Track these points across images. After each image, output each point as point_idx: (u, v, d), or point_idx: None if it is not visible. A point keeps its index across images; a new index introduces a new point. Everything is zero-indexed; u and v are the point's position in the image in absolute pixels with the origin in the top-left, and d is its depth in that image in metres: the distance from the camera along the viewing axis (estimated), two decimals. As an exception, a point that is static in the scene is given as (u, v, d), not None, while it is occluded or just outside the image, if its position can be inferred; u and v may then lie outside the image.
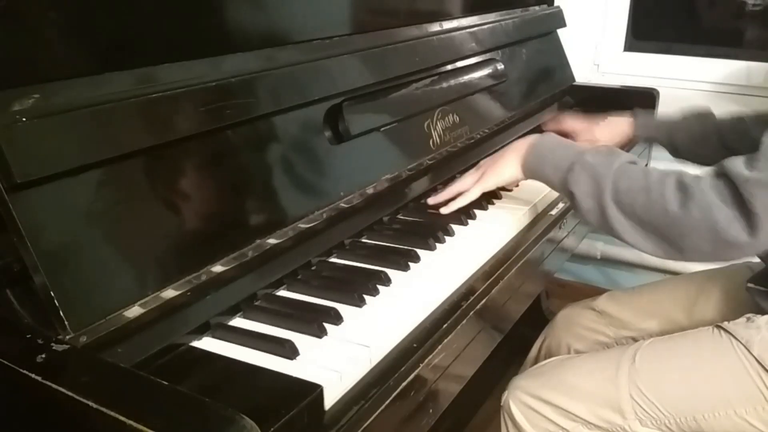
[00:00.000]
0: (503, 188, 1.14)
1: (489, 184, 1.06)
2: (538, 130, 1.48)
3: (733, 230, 0.81)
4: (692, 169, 0.95)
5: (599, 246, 2.04)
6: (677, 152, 1.33)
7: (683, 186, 0.85)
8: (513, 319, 1.00)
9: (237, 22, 0.89)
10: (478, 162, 1.29)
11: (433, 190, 1.15)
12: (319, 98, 0.94)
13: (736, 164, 0.83)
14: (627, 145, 1.39)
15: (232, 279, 0.76)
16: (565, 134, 1.40)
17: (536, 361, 1.30)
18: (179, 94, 0.74)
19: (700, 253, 0.86)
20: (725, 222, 0.81)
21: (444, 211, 1.05)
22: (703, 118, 1.30)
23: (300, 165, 0.90)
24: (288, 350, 0.69)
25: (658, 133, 1.35)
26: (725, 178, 0.83)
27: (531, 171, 1.01)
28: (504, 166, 1.05)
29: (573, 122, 1.43)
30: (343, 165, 0.96)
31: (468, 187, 1.07)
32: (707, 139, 1.27)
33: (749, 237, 0.80)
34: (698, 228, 0.83)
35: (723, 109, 1.64)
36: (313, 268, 0.89)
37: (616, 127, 1.38)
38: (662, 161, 1.77)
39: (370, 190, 0.98)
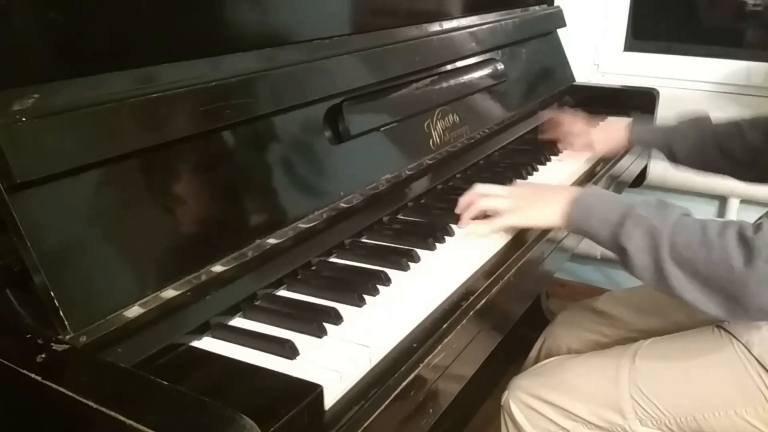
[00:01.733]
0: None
1: (520, 221, 0.97)
2: (539, 129, 1.48)
3: None
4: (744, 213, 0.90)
5: (599, 246, 2.04)
6: (675, 158, 1.32)
7: (745, 240, 0.79)
8: (513, 319, 1.00)
9: (237, 22, 0.89)
10: (477, 162, 1.30)
11: (434, 190, 1.14)
12: (319, 98, 0.94)
13: None
14: (623, 149, 1.40)
15: (232, 279, 0.76)
16: (562, 135, 1.40)
17: (536, 361, 1.30)
18: (179, 94, 0.74)
19: (766, 312, 0.81)
20: None
21: (460, 225, 0.98)
22: (699, 123, 1.30)
23: (300, 165, 0.90)
24: (288, 350, 0.69)
25: (655, 139, 1.35)
26: None
27: (575, 224, 0.93)
28: (544, 209, 0.96)
29: (571, 123, 1.42)
30: (343, 165, 0.96)
31: (495, 208, 0.98)
32: (704, 145, 1.27)
33: None
34: (765, 283, 0.77)
35: (723, 109, 1.64)
36: (313, 268, 0.89)
37: (612, 130, 1.38)
38: (662, 162, 1.78)
39: (370, 190, 0.98)
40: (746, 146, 1.22)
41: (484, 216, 0.99)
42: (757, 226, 0.80)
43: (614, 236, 0.88)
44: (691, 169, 1.33)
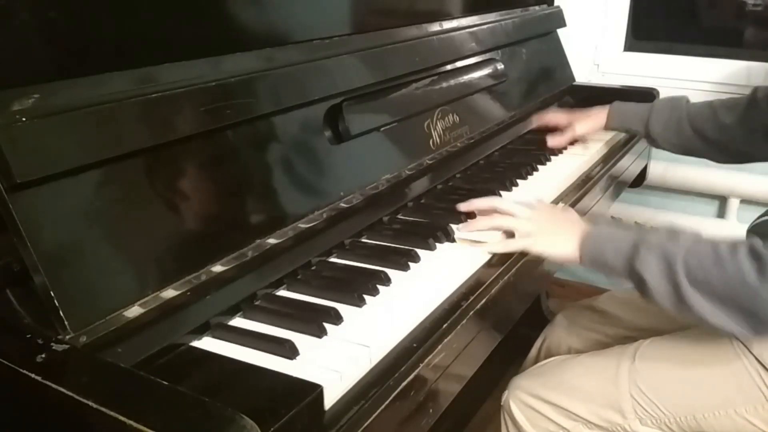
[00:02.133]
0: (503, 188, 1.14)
1: (536, 249, 0.95)
2: (538, 128, 1.48)
3: None
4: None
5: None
6: (653, 141, 1.37)
7: (757, 254, 0.80)
8: (513, 319, 1.00)
9: (237, 22, 0.89)
10: (477, 162, 1.30)
11: (434, 190, 1.14)
12: (319, 98, 0.94)
13: None
14: (600, 128, 1.42)
15: (232, 279, 0.76)
16: (549, 130, 1.42)
17: (536, 360, 1.30)
18: (179, 94, 0.74)
19: None
20: None
21: (477, 244, 0.95)
22: (675, 103, 1.33)
23: (300, 165, 0.90)
24: (288, 350, 0.69)
25: (632, 122, 1.38)
26: None
27: (590, 258, 0.92)
28: (561, 243, 0.95)
29: (555, 117, 1.45)
30: (343, 165, 0.96)
31: (510, 228, 0.96)
32: (679, 126, 1.30)
33: None
34: None
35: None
36: (313, 268, 0.89)
37: (594, 119, 1.41)
38: (662, 162, 1.78)
39: (370, 190, 0.98)
40: (719, 127, 1.26)
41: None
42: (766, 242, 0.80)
43: (630, 265, 0.87)
44: (669, 151, 1.37)
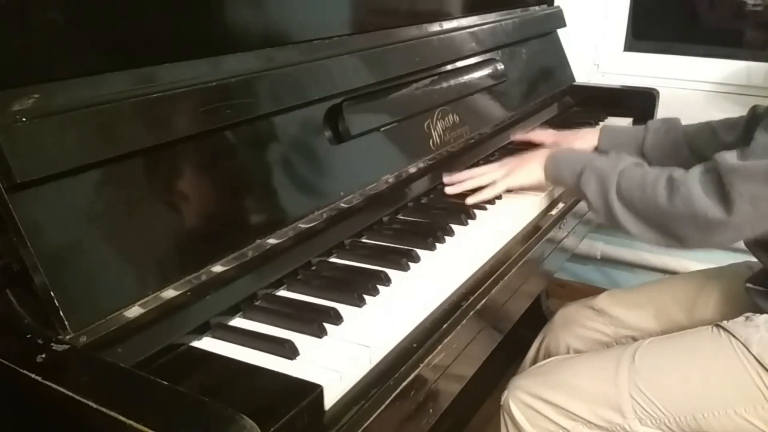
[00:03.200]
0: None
1: (515, 183, 1.11)
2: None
3: (713, 214, 0.89)
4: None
5: (599, 246, 2.04)
6: (647, 163, 1.30)
7: (671, 181, 0.94)
8: (513, 319, 1.00)
9: (237, 22, 0.89)
10: (477, 163, 1.30)
11: (433, 190, 1.14)
12: (319, 98, 0.94)
13: (727, 156, 0.90)
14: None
15: (232, 279, 0.76)
16: (534, 147, 1.36)
17: (536, 360, 1.30)
18: (179, 94, 0.74)
19: (691, 239, 0.95)
20: (705, 209, 0.90)
21: (468, 201, 1.08)
22: (670, 126, 1.28)
23: (300, 165, 0.90)
24: (288, 350, 0.69)
25: (626, 146, 1.29)
26: (713, 170, 0.91)
27: (552, 176, 1.10)
28: (530, 168, 1.12)
29: (543, 135, 1.38)
30: (343, 165, 0.96)
31: (491, 181, 1.11)
32: (676, 149, 1.25)
33: (728, 216, 0.88)
34: (683, 217, 0.93)
35: (723, 109, 1.64)
36: (313, 268, 0.89)
37: (583, 141, 1.34)
38: (662, 161, 1.77)
39: (370, 190, 0.98)
40: (720, 147, 1.16)
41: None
42: (688, 171, 0.95)
43: (577, 184, 1.04)
44: None
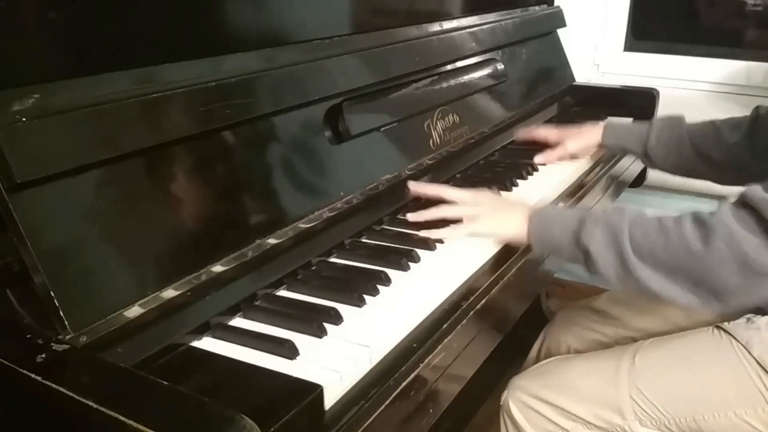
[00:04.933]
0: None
1: (485, 232, 0.96)
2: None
3: (764, 257, 0.77)
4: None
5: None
6: (651, 162, 1.31)
7: (702, 222, 0.81)
8: (513, 319, 1.00)
9: (237, 22, 0.89)
10: (477, 162, 1.30)
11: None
12: (319, 98, 0.94)
13: (756, 191, 0.79)
14: (594, 149, 1.36)
15: (232, 279, 0.76)
16: (537, 144, 1.36)
17: (536, 361, 1.30)
18: (179, 94, 0.74)
19: (733, 290, 0.80)
20: (754, 251, 0.77)
21: (423, 234, 0.96)
22: (674, 125, 1.27)
23: (300, 165, 0.90)
24: (288, 350, 0.69)
25: (629, 142, 1.31)
26: (746, 206, 0.79)
27: (538, 236, 0.94)
28: (506, 223, 0.96)
29: (544, 132, 1.37)
30: (343, 165, 0.96)
31: (456, 215, 0.97)
32: (680, 147, 1.24)
33: None
34: (726, 261, 0.78)
35: (723, 109, 1.64)
36: (313, 268, 0.89)
37: (587, 137, 1.34)
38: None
39: (370, 190, 0.98)
40: (723, 146, 1.20)
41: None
42: (713, 211, 0.81)
43: (576, 239, 0.88)
44: (666, 172, 1.31)
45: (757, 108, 1.19)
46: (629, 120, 1.37)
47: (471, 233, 0.96)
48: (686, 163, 1.26)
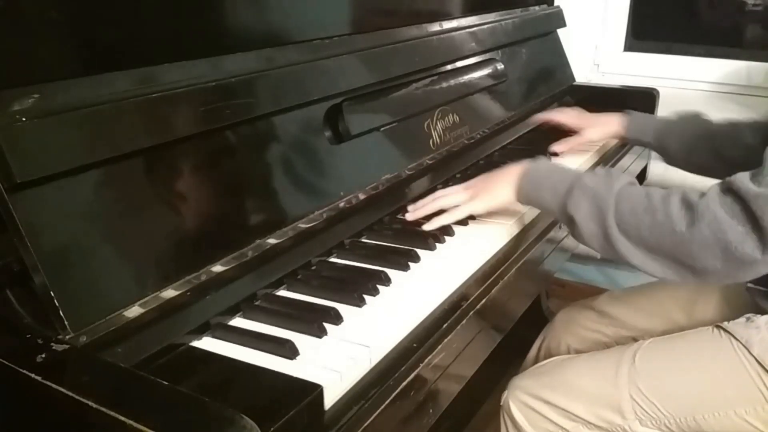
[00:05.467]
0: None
1: (479, 207, 1.00)
2: (539, 128, 1.48)
3: (746, 247, 0.78)
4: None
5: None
6: (669, 157, 1.31)
7: (689, 204, 0.81)
8: (513, 319, 1.00)
9: (237, 22, 0.89)
10: (477, 162, 1.30)
11: (433, 190, 1.14)
12: (319, 98, 0.94)
13: (743, 180, 0.80)
14: (612, 137, 1.38)
15: (232, 279, 0.76)
16: (557, 127, 1.39)
17: (536, 361, 1.30)
18: (179, 94, 0.74)
19: (712, 272, 0.82)
20: (737, 239, 0.78)
21: (426, 227, 0.98)
22: (696, 122, 1.27)
23: (300, 165, 0.90)
24: (288, 350, 0.69)
25: (649, 135, 1.32)
26: (733, 194, 0.80)
27: (526, 196, 0.97)
28: (497, 190, 0.99)
29: (564, 116, 1.40)
30: (343, 165, 0.96)
31: (454, 204, 1.01)
32: (699, 145, 1.24)
33: (762, 254, 0.78)
34: (709, 246, 0.79)
35: (723, 109, 1.64)
36: (313, 268, 0.89)
37: (607, 126, 1.36)
38: (662, 162, 1.78)
39: (370, 190, 0.98)
40: (742, 147, 1.19)
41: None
42: (702, 193, 0.82)
43: (563, 206, 0.90)
44: (684, 170, 1.31)
45: None
46: (648, 114, 1.38)
47: (468, 213, 1.00)
48: (702, 160, 1.26)
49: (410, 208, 1.04)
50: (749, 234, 0.78)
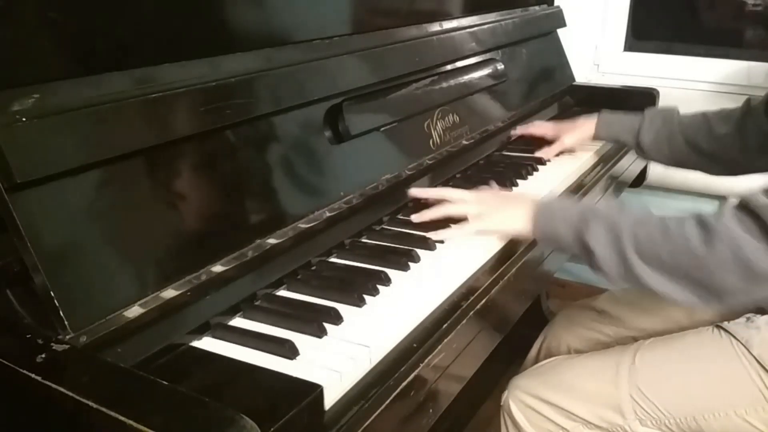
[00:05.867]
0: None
1: (490, 227, 0.97)
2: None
3: (764, 263, 0.77)
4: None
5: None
6: (642, 152, 1.33)
7: (704, 224, 0.81)
8: (513, 319, 1.00)
9: (237, 22, 0.89)
10: (478, 162, 1.30)
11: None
12: (319, 98, 0.94)
13: (758, 196, 0.79)
14: (589, 140, 1.39)
15: (232, 279, 0.76)
16: (535, 139, 1.39)
17: (536, 360, 1.30)
18: (179, 94, 0.74)
19: (732, 292, 0.80)
20: (755, 255, 0.77)
21: (430, 235, 0.96)
22: (667, 116, 1.30)
23: (300, 165, 0.90)
24: (288, 350, 0.69)
25: (622, 133, 1.35)
26: (748, 211, 0.79)
27: (542, 230, 0.94)
28: (512, 217, 0.96)
29: (541, 128, 1.41)
30: (343, 165, 0.96)
31: (462, 214, 0.98)
32: (672, 138, 1.28)
33: None
34: (728, 264, 0.79)
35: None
36: (313, 268, 0.89)
37: (582, 130, 1.38)
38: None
39: (370, 190, 0.98)
40: (713, 138, 1.23)
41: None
42: (717, 213, 0.82)
43: (579, 236, 0.89)
44: (659, 162, 1.35)
45: (748, 100, 1.21)
46: (622, 112, 1.40)
47: (477, 230, 0.96)
48: (677, 154, 1.29)
49: (414, 217, 1.01)
50: (766, 249, 0.77)
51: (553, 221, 0.93)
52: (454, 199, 1.00)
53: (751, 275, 0.78)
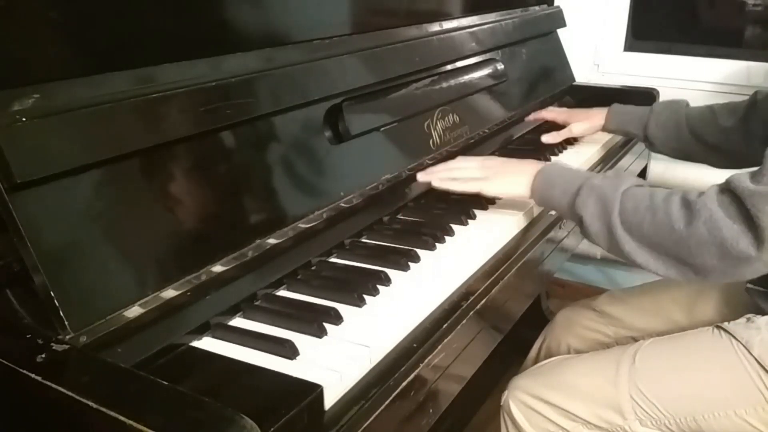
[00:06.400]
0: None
1: (491, 190, 1.02)
2: (539, 128, 1.48)
3: (741, 245, 0.79)
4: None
5: (593, 244, 2.04)
6: (651, 145, 1.36)
7: (688, 203, 0.83)
8: (513, 319, 1.00)
9: (237, 22, 0.89)
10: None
11: (434, 190, 1.13)
12: (319, 98, 0.94)
13: (741, 178, 0.81)
14: (597, 131, 1.42)
15: (232, 279, 0.76)
16: (545, 123, 1.44)
17: (536, 360, 1.30)
18: (179, 94, 0.74)
19: (711, 270, 0.83)
20: (732, 237, 0.79)
21: (434, 183, 1.04)
22: (674, 108, 1.32)
23: (300, 165, 0.90)
24: (288, 350, 0.69)
25: (631, 125, 1.37)
26: (730, 193, 0.81)
27: (540, 195, 0.99)
28: (513, 182, 1.01)
29: (553, 113, 1.46)
30: (343, 165, 0.96)
31: (468, 176, 1.04)
32: (678, 130, 1.30)
33: (757, 251, 0.78)
34: (706, 244, 0.81)
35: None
36: (313, 268, 0.89)
37: (592, 120, 1.41)
38: (662, 162, 1.77)
39: (370, 190, 0.98)
40: (719, 131, 1.25)
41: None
42: (702, 192, 0.84)
43: (571, 205, 0.93)
44: (668, 156, 1.37)
45: (756, 93, 1.22)
46: (633, 105, 1.42)
47: (480, 190, 1.02)
48: (684, 146, 1.31)
49: (420, 175, 1.07)
50: (744, 232, 0.79)
51: (552, 188, 0.97)
52: (460, 165, 1.07)
53: (728, 256, 0.80)
